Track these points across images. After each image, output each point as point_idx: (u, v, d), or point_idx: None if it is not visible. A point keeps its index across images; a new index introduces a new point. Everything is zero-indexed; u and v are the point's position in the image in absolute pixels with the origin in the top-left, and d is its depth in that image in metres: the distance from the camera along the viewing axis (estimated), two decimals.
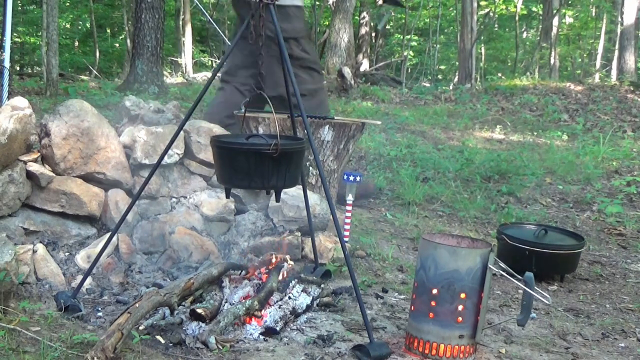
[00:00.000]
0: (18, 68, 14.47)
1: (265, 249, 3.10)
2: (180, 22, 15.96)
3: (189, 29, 15.32)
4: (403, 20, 20.23)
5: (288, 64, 2.68)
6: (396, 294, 3.11)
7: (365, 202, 4.78)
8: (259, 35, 2.64)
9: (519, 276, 2.44)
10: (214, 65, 16.18)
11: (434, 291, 2.33)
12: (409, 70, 18.33)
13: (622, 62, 12.85)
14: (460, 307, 2.32)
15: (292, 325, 2.61)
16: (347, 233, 3.43)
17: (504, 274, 2.47)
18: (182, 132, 3.09)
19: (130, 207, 2.76)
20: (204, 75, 13.56)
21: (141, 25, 9.56)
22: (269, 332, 2.48)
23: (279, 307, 2.61)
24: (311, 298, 2.78)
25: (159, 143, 3.09)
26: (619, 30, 14.23)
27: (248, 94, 3.44)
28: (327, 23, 18.03)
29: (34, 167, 2.82)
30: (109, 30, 19.89)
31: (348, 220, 3.46)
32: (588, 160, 6.40)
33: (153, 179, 3.05)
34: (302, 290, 2.78)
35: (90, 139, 2.92)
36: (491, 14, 19.39)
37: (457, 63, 17.14)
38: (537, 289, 2.39)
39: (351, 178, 3.47)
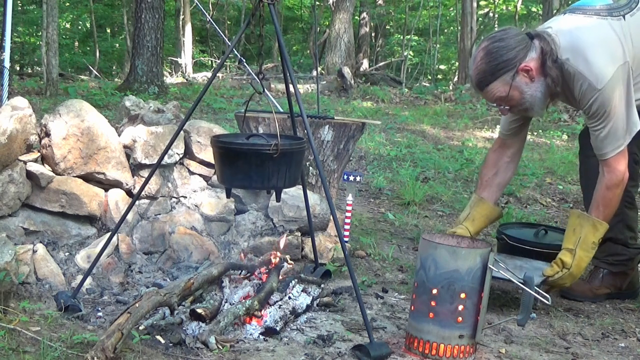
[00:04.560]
0: (18, 68, 14.48)
1: (265, 249, 3.10)
2: (180, 22, 15.98)
3: (189, 29, 15.34)
4: (403, 21, 20.23)
5: (288, 63, 2.68)
6: (396, 294, 3.11)
7: (365, 202, 4.78)
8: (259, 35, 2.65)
9: (519, 276, 2.44)
10: (214, 65, 16.18)
11: (434, 291, 2.33)
12: (409, 70, 18.34)
13: None
14: (460, 307, 2.32)
15: (292, 325, 2.61)
16: (347, 233, 3.43)
17: (504, 274, 2.46)
18: (182, 132, 3.09)
19: (130, 207, 2.76)
20: (204, 75, 13.57)
21: (141, 25, 9.57)
22: (269, 332, 2.48)
23: (279, 307, 2.61)
24: (311, 298, 2.78)
25: (159, 143, 3.09)
26: None
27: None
28: (327, 23, 18.03)
29: (34, 167, 2.82)
30: (109, 30, 19.90)
31: (348, 220, 3.46)
32: None
33: (153, 179, 3.05)
34: (302, 290, 2.79)
35: (90, 139, 2.92)
36: (491, 14, 19.41)
37: (457, 63, 17.15)
38: (537, 289, 2.39)
39: (351, 178, 3.47)
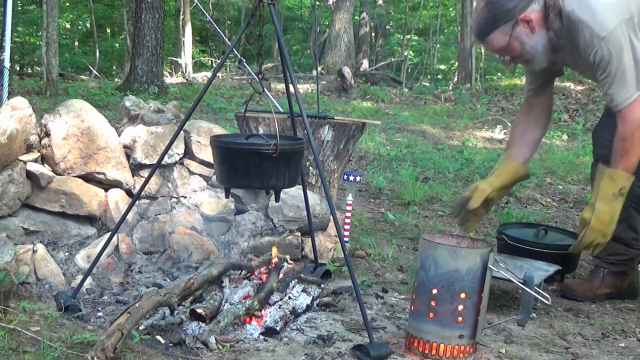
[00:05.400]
0: (18, 68, 14.48)
1: (265, 249, 3.10)
2: (180, 22, 15.98)
3: (189, 29, 15.34)
4: (403, 21, 20.23)
5: (288, 63, 2.68)
6: (396, 294, 3.11)
7: (365, 202, 4.78)
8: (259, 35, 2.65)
9: (519, 276, 2.44)
10: (214, 65, 16.18)
11: (434, 291, 2.33)
12: (409, 70, 18.35)
13: None
14: (460, 307, 2.32)
15: (292, 325, 2.61)
16: (347, 233, 3.43)
17: (504, 274, 2.46)
18: (182, 132, 3.10)
19: (130, 207, 2.76)
20: (204, 75, 13.57)
21: (141, 25, 9.57)
22: (269, 332, 2.48)
23: (279, 307, 2.61)
24: (311, 298, 2.78)
25: (159, 143, 3.09)
26: None
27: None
28: (327, 23, 18.04)
29: (34, 167, 2.82)
30: (109, 30, 19.90)
31: (348, 220, 3.46)
32: (588, 160, 6.39)
33: (153, 179, 3.05)
34: (302, 290, 2.79)
35: (90, 139, 2.92)
36: None
37: (457, 63, 17.15)
38: (537, 289, 2.39)
39: (351, 178, 3.47)
